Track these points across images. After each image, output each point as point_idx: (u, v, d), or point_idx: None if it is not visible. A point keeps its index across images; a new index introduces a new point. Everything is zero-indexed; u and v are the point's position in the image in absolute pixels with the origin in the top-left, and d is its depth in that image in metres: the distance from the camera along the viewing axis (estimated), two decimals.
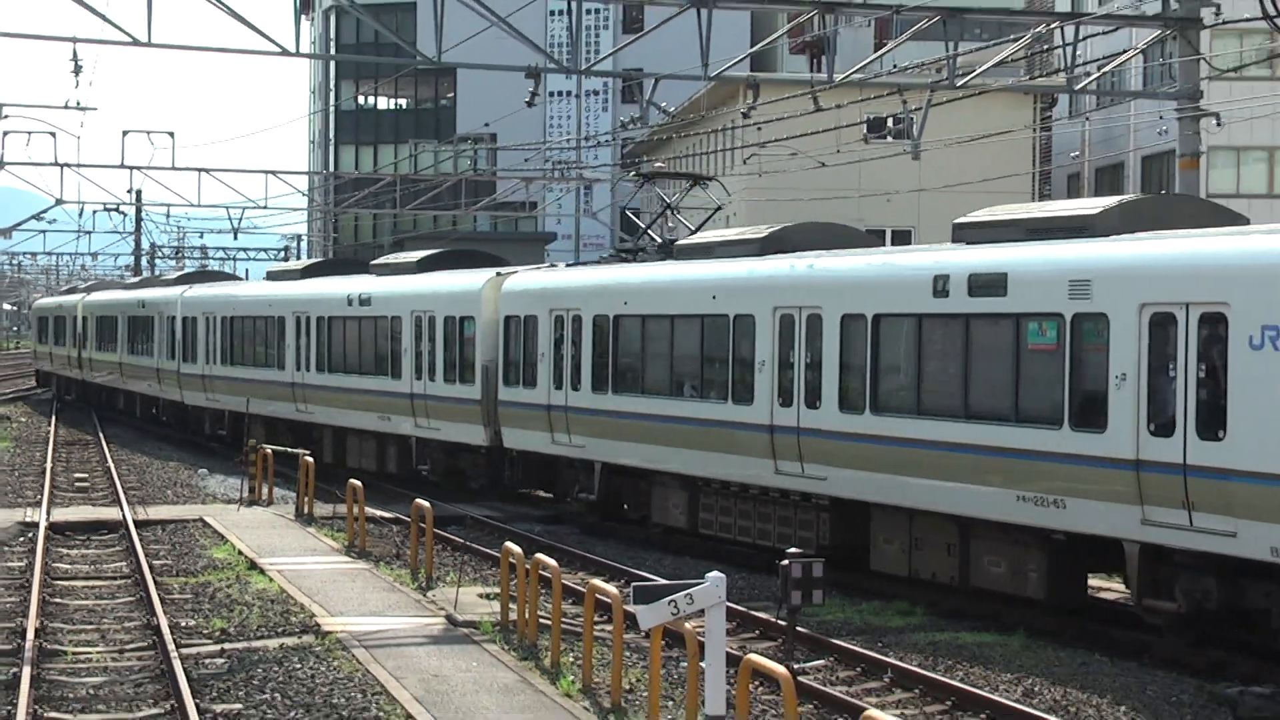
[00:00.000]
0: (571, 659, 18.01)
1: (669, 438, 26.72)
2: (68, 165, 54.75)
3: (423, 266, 37.01)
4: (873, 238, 30.57)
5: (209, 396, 46.43)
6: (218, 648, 18.93)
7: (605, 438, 28.45)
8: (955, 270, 21.04)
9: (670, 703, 16.31)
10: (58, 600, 22.42)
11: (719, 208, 32.53)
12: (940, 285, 21.11)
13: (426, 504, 24.25)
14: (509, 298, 31.81)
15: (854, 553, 23.15)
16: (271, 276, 46.94)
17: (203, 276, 56.77)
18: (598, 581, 17.72)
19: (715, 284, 26.06)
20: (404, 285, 36.62)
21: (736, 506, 25.64)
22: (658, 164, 67.10)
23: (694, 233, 30.09)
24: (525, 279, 32.06)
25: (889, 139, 49.94)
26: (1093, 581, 23.56)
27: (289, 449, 36.57)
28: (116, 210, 79.26)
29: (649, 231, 32.41)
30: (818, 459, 23.27)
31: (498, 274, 32.85)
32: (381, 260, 40.10)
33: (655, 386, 27.20)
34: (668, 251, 29.45)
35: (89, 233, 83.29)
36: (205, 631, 20.05)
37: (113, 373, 58.55)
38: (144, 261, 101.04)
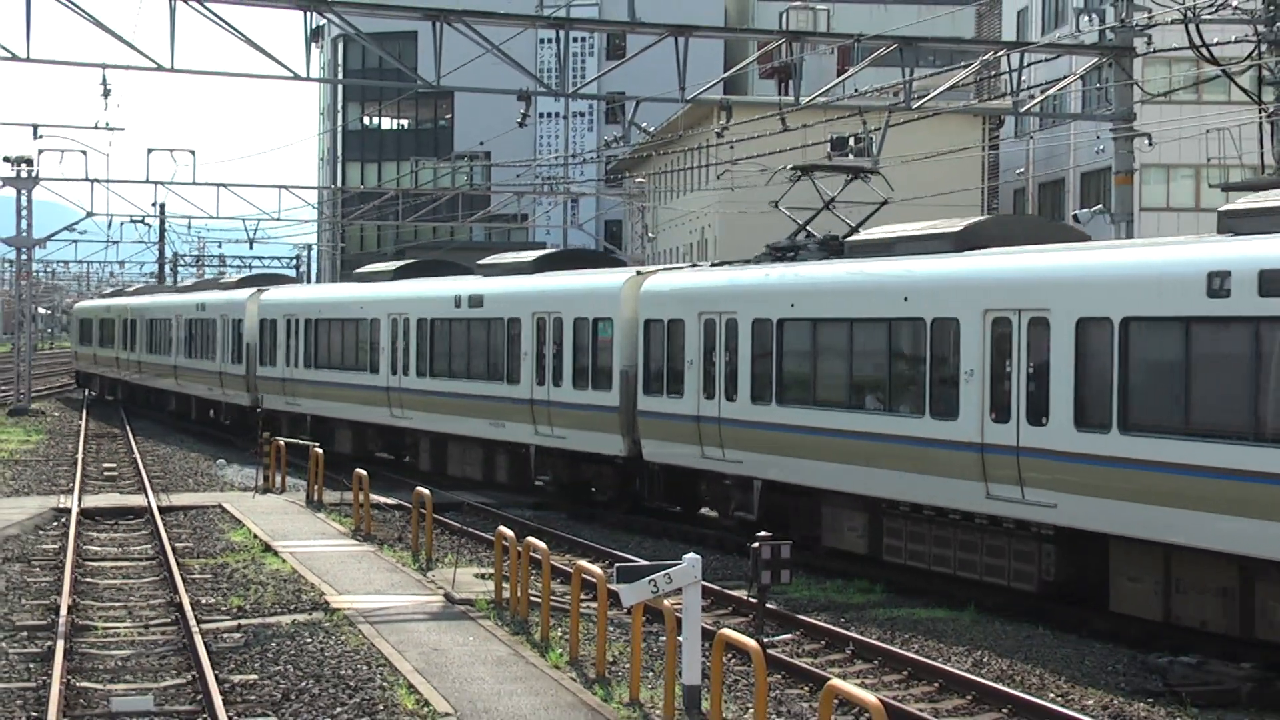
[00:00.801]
0: (559, 634, 17.99)
1: (846, 454, 22.28)
2: (97, 181, 54.88)
3: (539, 266, 32.45)
4: (1085, 232, 25.81)
5: (289, 401, 41.59)
6: (235, 623, 18.87)
7: (766, 452, 24.02)
8: (1239, 265, 16.48)
9: (650, 674, 16.31)
10: (88, 580, 22.34)
11: (885, 202, 28.46)
12: (1218, 283, 16.64)
13: (426, 491, 24.19)
14: (650, 299, 27.23)
15: (1084, 589, 19.12)
16: (358, 278, 41.54)
17: (267, 279, 51.23)
18: (584, 562, 17.70)
19: (906, 284, 21.46)
20: (522, 285, 31.80)
21: (931, 533, 21.03)
22: (638, 179, 67.04)
23: (854, 230, 26.01)
24: (668, 279, 27.50)
25: (850, 157, 49.84)
26: None
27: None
28: (142, 222, 79.21)
29: (806, 229, 27.26)
30: (1043, 483, 18.90)
31: (638, 273, 28.29)
32: (489, 261, 35.07)
33: (830, 398, 22.71)
34: (833, 249, 24.80)
35: (116, 242, 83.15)
36: (223, 609, 19.99)
37: (165, 375, 53.67)
38: (167, 269, 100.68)
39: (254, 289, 45.47)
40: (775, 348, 23.91)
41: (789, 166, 29.17)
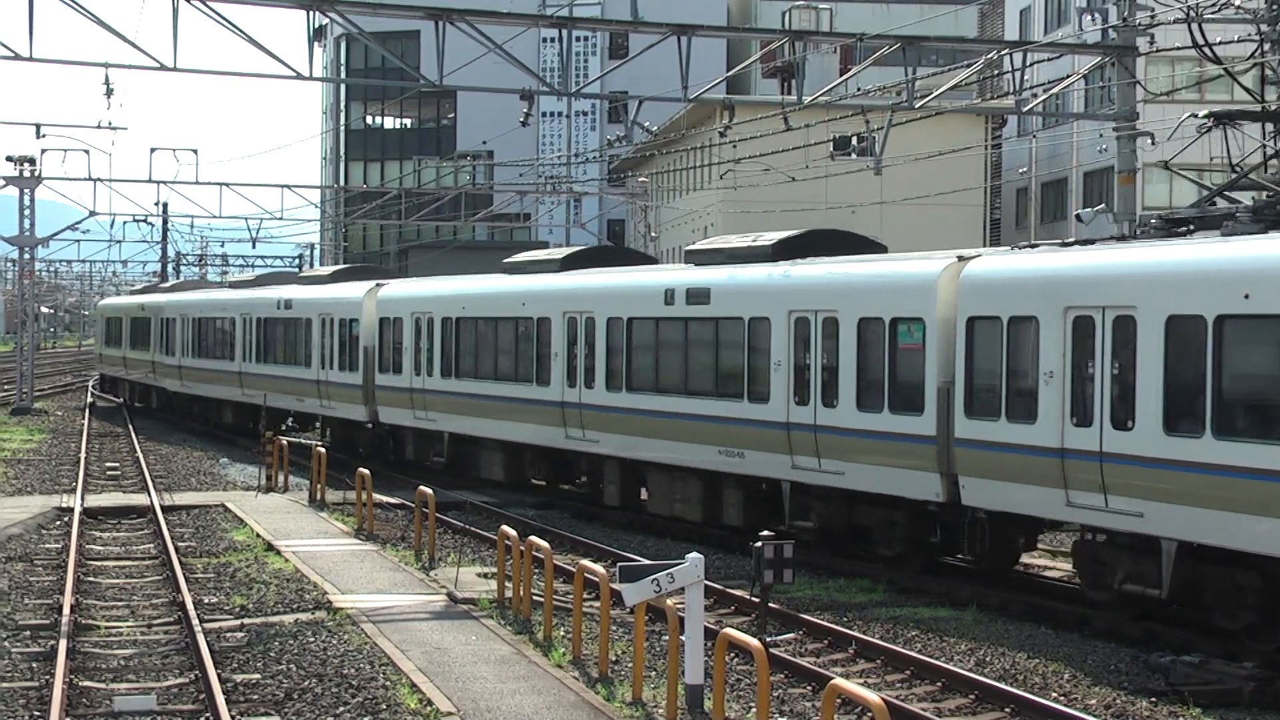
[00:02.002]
0: (562, 633, 18.00)
1: None
2: (100, 180, 54.86)
3: (779, 253, 25.34)
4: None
5: (418, 415, 34.75)
6: (238, 623, 18.88)
7: (1191, 503, 17.10)
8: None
9: (653, 673, 16.31)
10: (91, 579, 22.36)
11: None
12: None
13: (429, 491, 24.20)
14: (976, 292, 20.47)
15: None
16: (515, 269, 33.54)
17: (364, 272, 43.78)
18: (586, 562, 17.71)
19: None
20: (767, 275, 24.79)
21: None
22: (641, 178, 67.05)
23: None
24: (999, 264, 20.75)
25: (853, 156, 49.98)
26: (1033, 560, 23.60)
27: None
28: (145, 221, 79.09)
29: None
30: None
31: (959, 258, 21.51)
32: (704, 245, 28.02)
33: None
34: (1272, 220, 18.07)
35: (119, 242, 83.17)
36: (226, 608, 20.00)
37: (223, 383, 47.01)
38: (169, 268, 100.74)
39: (370, 282, 38.61)
40: (1212, 357, 16.82)
41: (1204, 115, 21.64)
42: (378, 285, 37.75)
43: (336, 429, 40.42)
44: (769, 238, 25.94)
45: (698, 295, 25.88)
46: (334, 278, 42.68)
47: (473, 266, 44.70)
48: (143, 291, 67.69)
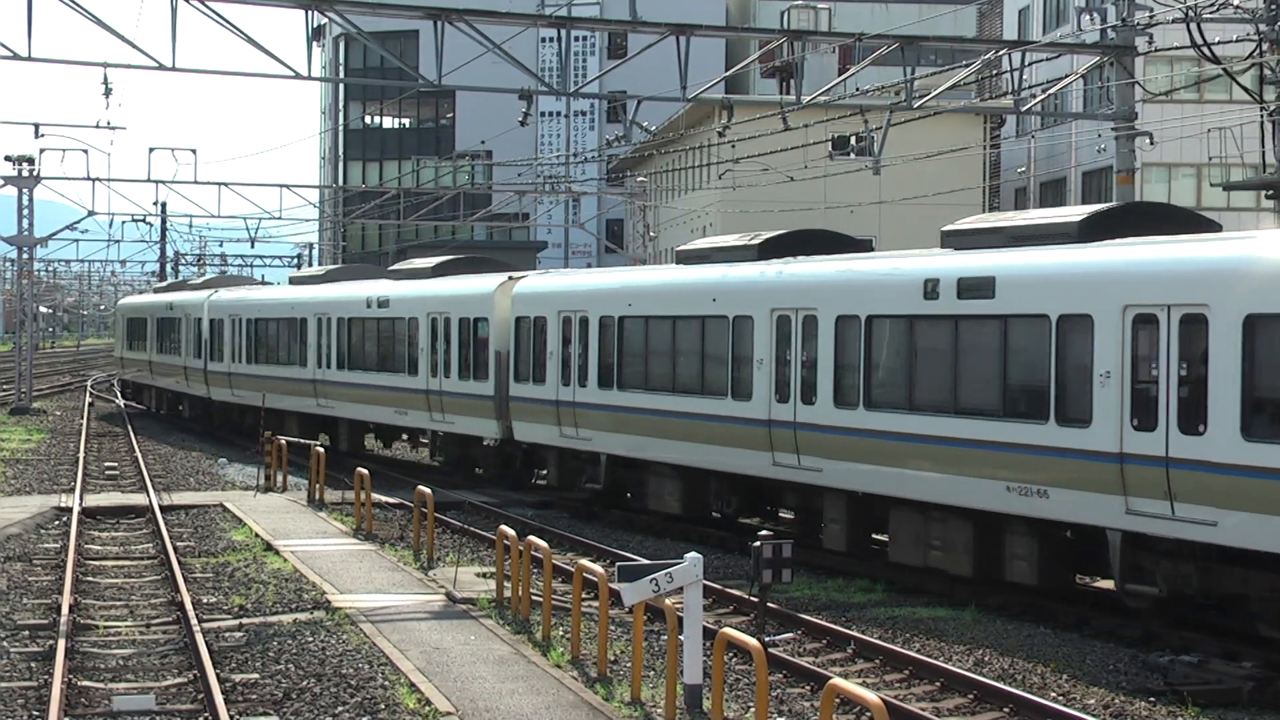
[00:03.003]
0: (561, 633, 18.00)
1: None
2: (99, 179, 54.90)
3: (1091, 231, 19.53)
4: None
5: (567, 432, 28.99)
6: (236, 622, 18.88)
7: None
8: None
9: (651, 673, 16.31)
10: (90, 579, 22.35)
11: None
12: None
13: (428, 490, 24.20)
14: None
15: None
16: (687, 259, 27.66)
17: (473, 264, 37.25)
18: (585, 562, 17.70)
19: None
20: (1070, 262, 19.21)
21: None
22: (640, 178, 67.14)
23: None
24: None
25: (852, 156, 50.00)
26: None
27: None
28: (143, 221, 79.16)
29: None
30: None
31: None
32: (963, 226, 21.85)
33: None
34: None
35: (118, 241, 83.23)
36: (225, 608, 20.00)
37: (297, 393, 40.88)
38: (169, 268, 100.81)
39: (500, 275, 33.08)
40: None
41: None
42: (511, 279, 31.98)
43: (451, 446, 34.29)
44: (1077, 212, 20.15)
45: (977, 286, 19.91)
46: (439, 270, 36.25)
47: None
48: (170, 289, 60.64)
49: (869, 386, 21.67)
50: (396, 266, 38.74)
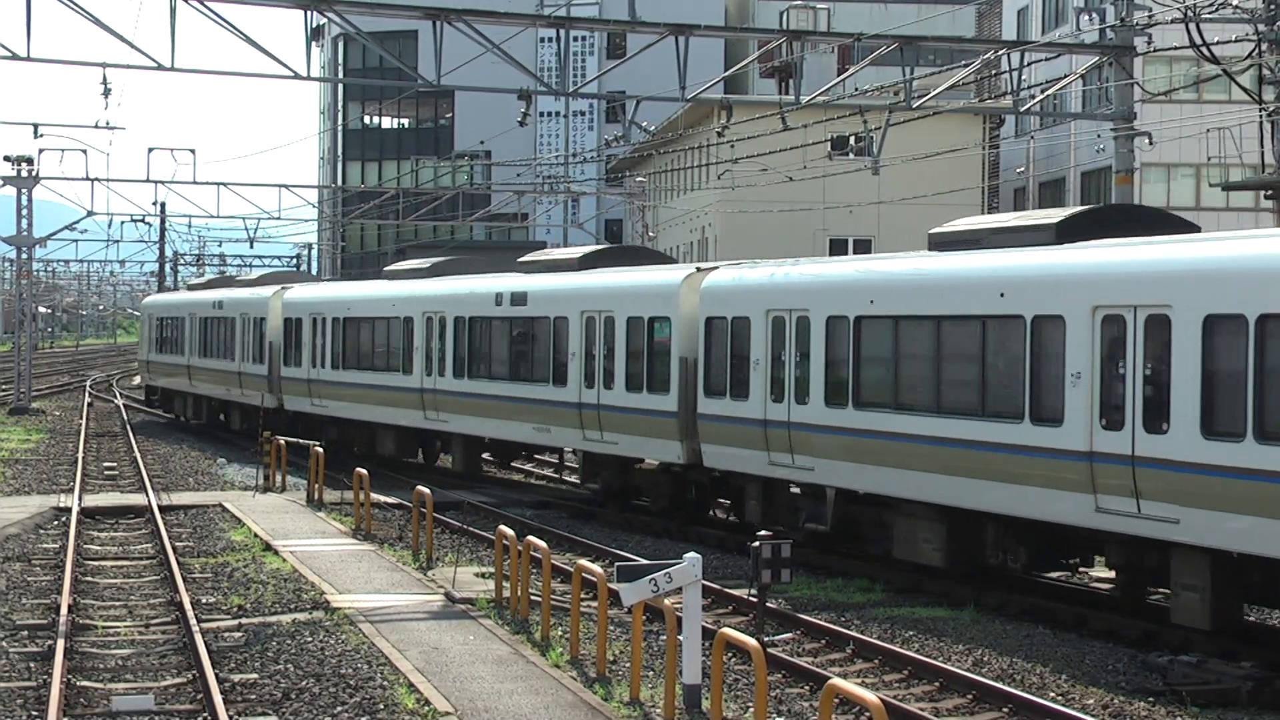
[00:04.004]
0: (560, 633, 18.00)
1: None
2: (98, 180, 54.86)
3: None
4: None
5: (777, 460, 23.59)
6: (235, 622, 18.87)
7: None
8: None
9: (650, 673, 16.31)
10: (89, 579, 22.35)
11: None
12: None
13: (427, 490, 24.20)
14: None
15: None
16: (949, 243, 21.84)
17: (627, 255, 31.96)
18: (584, 562, 17.70)
19: None
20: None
21: None
22: (639, 178, 67.17)
23: None
24: None
25: (851, 156, 50.01)
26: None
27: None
28: (142, 221, 79.26)
29: None
30: None
31: None
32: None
33: None
34: None
35: (117, 241, 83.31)
36: (224, 608, 20.00)
37: (399, 404, 35.35)
38: (168, 268, 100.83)
39: (685, 267, 28.01)
40: None
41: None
42: (700, 270, 26.52)
43: (609, 470, 28.87)
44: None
45: None
46: (587, 262, 30.39)
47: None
48: (210, 286, 54.69)
49: (1261, 410, 16.08)
50: (528, 258, 32.80)
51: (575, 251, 32.17)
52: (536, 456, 37.90)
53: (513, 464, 37.62)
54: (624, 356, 27.33)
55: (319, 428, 39.49)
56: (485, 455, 35.48)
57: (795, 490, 23.89)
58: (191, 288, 57.87)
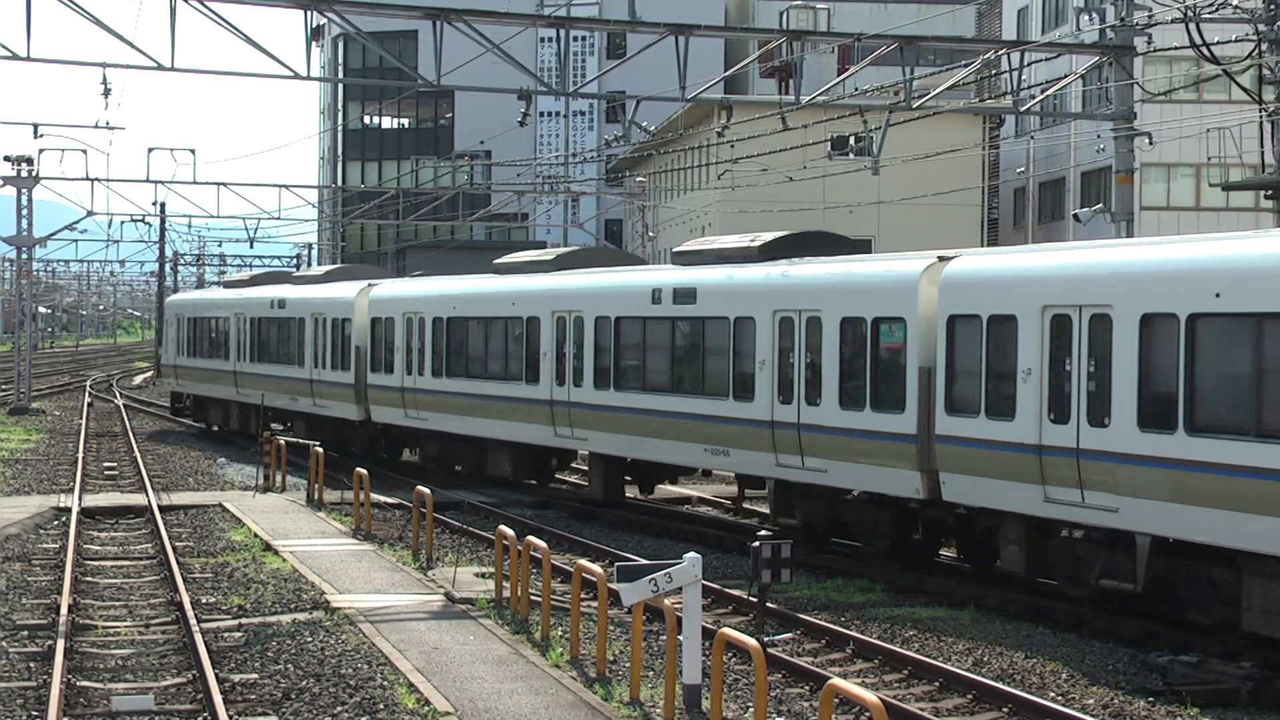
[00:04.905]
0: (560, 633, 18.00)
1: None
2: (98, 180, 54.87)
3: None
4: None
5: (1057, 493, 18.74)
6: (235, 622, 18.88)
7: None
8: None
9: (650, 673, 16.31)
10: (89, 579, 22.35)
11: None
12: None
13: (427, 491, 24.20)
14: None
15: None
16: None
17: (808, 241, 25.96)
18: (584, 562, 17.70)
19: None
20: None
21: None
22: (639, 178, 67.18)
23: None
24: None
25: (851, 156, 50.02)
26: None
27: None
28: (142, 221, 79.27)
29: None
30: None
31: None
32: None
33: None
34: None
35: (117, 242, 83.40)
36: (224, 608, 20.00)
37: (520, 416, 30.57)
38: (168, 268, 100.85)
39: (927, 257, 21.95)
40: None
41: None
42: (940, 259, 21.47)
43: (811, 503, 23.83)
44: None
45: None
46: (771, 251, 25.51)
47: (475, 267, 38.80)
48: (254, 283, 48.29)
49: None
50: (690, 248, 28.12)
51: (753, 238, 26.46)
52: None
53: (660, 488, 31.65)
54: (835, 365, 22.52)
55: (414, 443, 36.45)
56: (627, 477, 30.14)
57: (1078, 535, 18.80)
58: (229, 285, 52.17)
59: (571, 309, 29.03)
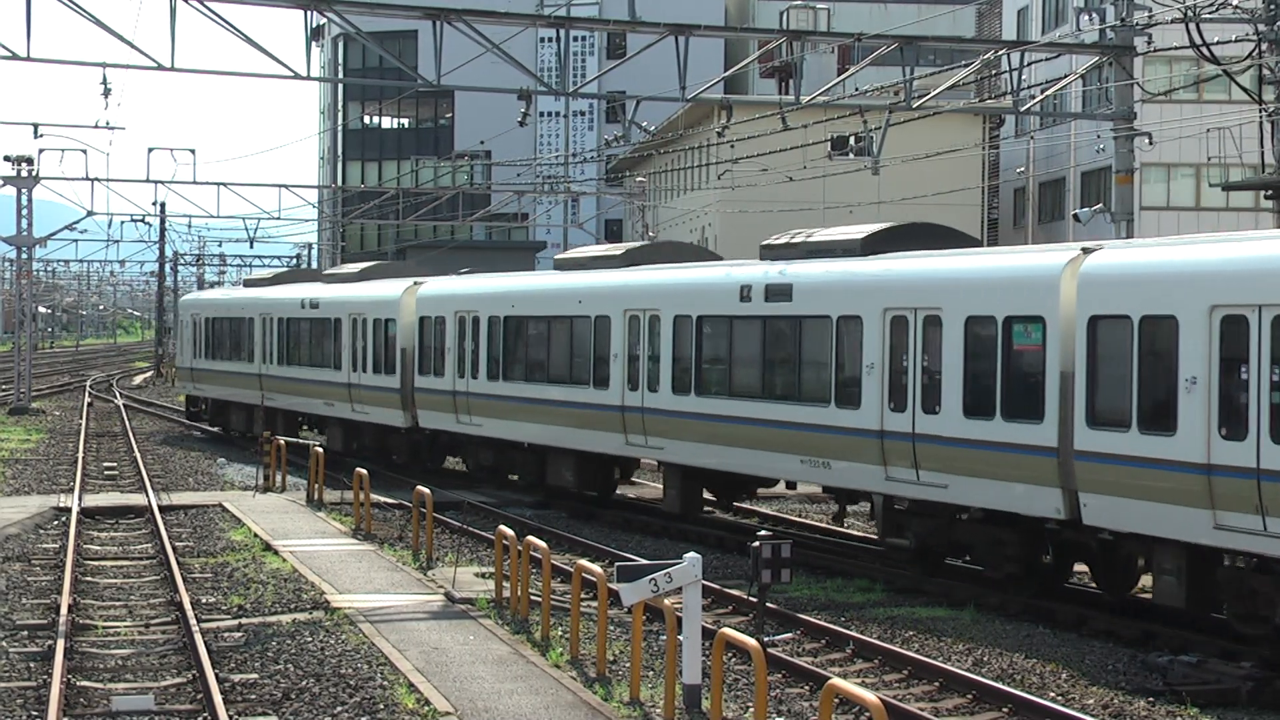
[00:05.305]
0: (560, 633, 18.00)
1: None
2: (98, 180, 54.85)
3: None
4: None
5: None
6: (235, 622, 18.88)
7: None
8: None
9: (650, 673, 16.31)
10: (89, 579, 22.35)
11: None
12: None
13: (427, 490, 24.20)
14: None
15: None
16: None
17: (915, 234, 23.79)
18: (584, 562, 17.70)
19: None
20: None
21: None
22: (639, 178, 67.18)
23: None
24: None
25: (851, 156, 50.04)
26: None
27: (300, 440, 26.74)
28: (142, 221, 79.33)
29: None
30: None
31: None
32: None
33: None
34: None
35: (117, 242, 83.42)
36: (224, 608, 20.00)
37: (573, 422, 28.76)
38: (168, 268, 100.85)
39: (1064, 249, 20.26)
40: None
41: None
42: (1084, 250, 19.32)
43: (925, 522, 21.49)
44: None
45: None
46: (875, 245, 23.32)
47: (477, 267, 37.98)
48: (277, 281, 46.53)
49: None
50: (779, 241, 25.35)
51: (854, 230, 24.20)
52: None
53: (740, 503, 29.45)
54: (959, 369, 20.40)
55: (466, 450, 33.87)
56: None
57: (1252, 565, 16.78)
58: (251, 284, 49.95)
59: (646, 307, 26.92)
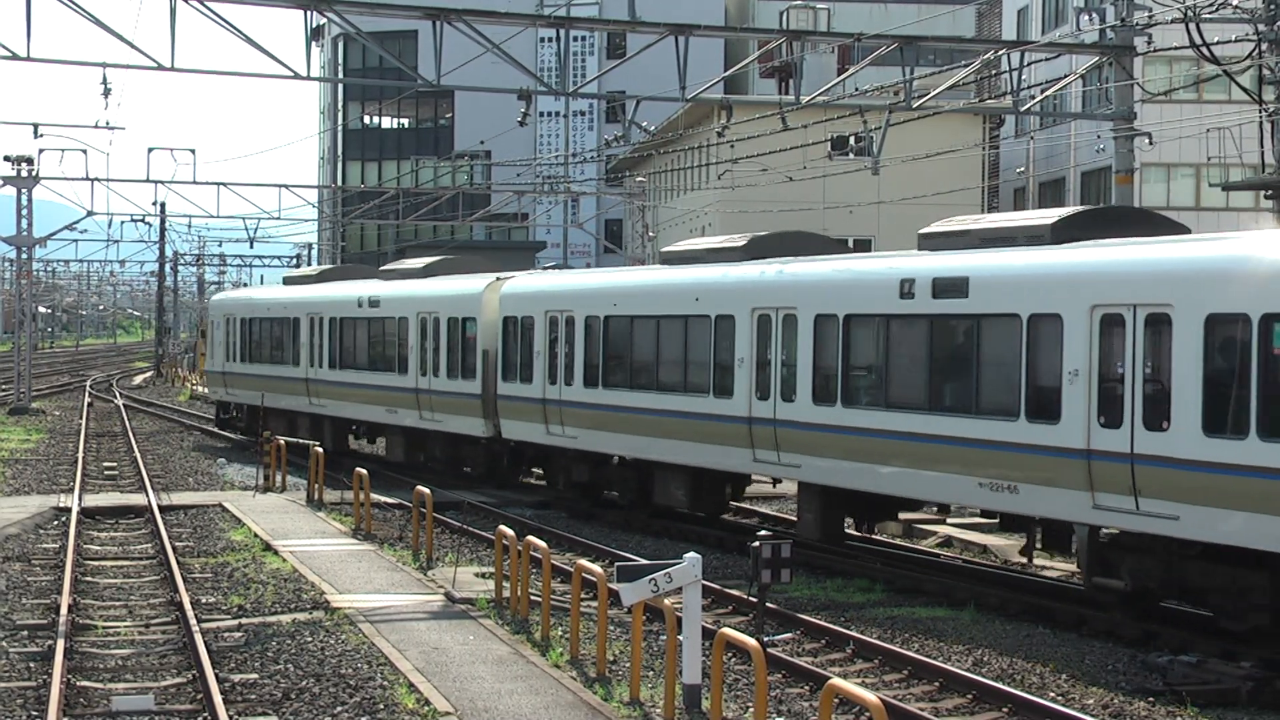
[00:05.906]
0: (560, 633, 18.00)
1: None
2: (98, 180, 54.88)
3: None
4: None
5: None
6: (235, 622, 18.88)
7: None
8: None
9: (650, 673, 16.31)
10: (89, 579, 22.35)
11: None
12: None
13: (427, 490, 24.20)
14: None
15: None
16: None
17: (1108, 218, 20.79)
18: (584, 562, 17.70)
19: None
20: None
21: None
22: (639, 178, 67.19)
23: None
24: None
25: (851, 156, 50.03)
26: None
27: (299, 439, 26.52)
28: (142, 221, 79.35)
29: None
30: None
31: None
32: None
33: None
34: None
35: (117, 241, 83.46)
36: (224, 608, 20.00)
37: (694, 436, 25.51)
38: (168, 268, 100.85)
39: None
40: None
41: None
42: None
43: (1141, 559, 18.34)
44: None
45: None
46: (1064, 232, 20.09)
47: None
48: (323, 278, 43.52)
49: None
50: (944, 228, 22.32)
51: (1041, 216, 21.04)
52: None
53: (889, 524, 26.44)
54: (1194, 378, 16.98)
55: (556, 464, 30.62)
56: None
57: None
58: (292, 281, 45.94)
59: (780, 305, 23.69)
